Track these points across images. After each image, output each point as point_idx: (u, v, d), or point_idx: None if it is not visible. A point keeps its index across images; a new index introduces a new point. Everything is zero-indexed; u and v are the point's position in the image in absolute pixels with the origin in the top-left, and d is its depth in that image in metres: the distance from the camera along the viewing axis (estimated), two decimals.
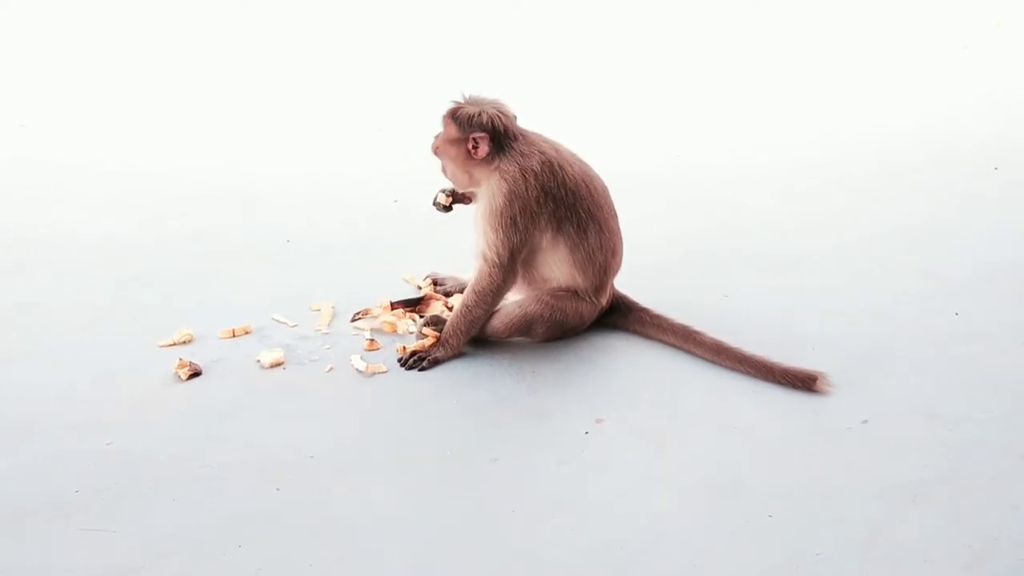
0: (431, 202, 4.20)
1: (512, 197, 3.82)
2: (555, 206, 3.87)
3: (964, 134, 6.78)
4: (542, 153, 3.89)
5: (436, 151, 3.97)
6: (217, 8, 10.28)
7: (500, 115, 3.87)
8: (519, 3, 10.54)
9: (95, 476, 3.25)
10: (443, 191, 4.18)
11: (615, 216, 4.06)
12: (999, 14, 9.96)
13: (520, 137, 3.90)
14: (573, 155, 4.02)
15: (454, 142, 3.88)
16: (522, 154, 3.86)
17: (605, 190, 4.06)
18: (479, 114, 3.84)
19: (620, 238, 4.08)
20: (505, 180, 3.83)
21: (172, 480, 3.23)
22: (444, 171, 4.01)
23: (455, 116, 3.87)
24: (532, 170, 3.84)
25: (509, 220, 3.82)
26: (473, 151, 3.84)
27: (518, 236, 3.84)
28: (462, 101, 3.91)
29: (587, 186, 3.96)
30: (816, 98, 7.80)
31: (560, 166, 3.90)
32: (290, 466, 3.30)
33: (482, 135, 3.82)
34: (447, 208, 4.20)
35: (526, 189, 3.83)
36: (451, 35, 9.67)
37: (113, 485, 3.20)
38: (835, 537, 2.94)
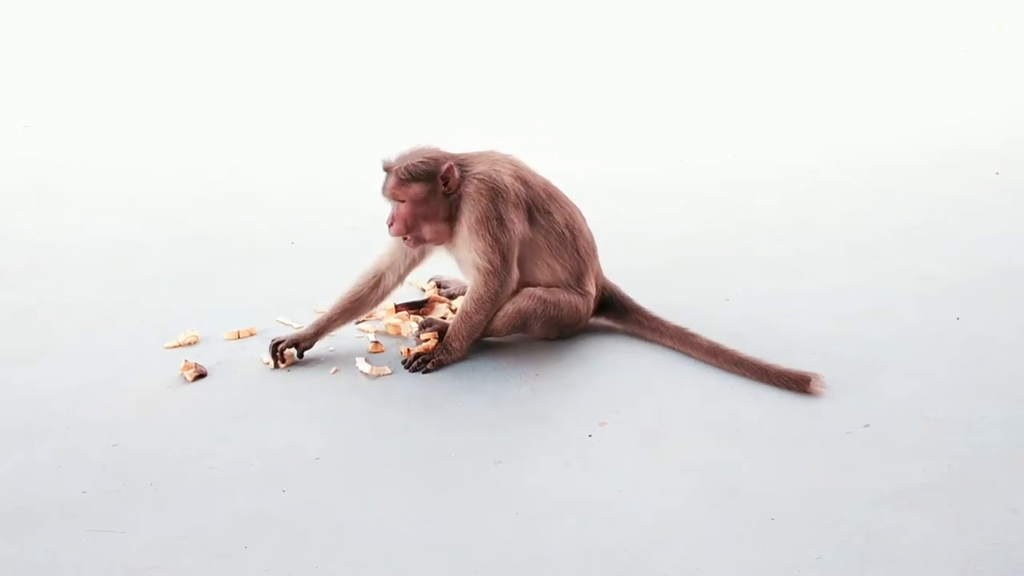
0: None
1: (494, 196, 3.88)
2: (527, 189, 3.96)
3: (965, 139, 6.79)
4: (500, 159, 4.00)
5: (408, 225, 3.88)
6: (222, 10, 10.29)
7: (428, 148, 3.94)
8: (519, 6, 10.55)
9: (102, 477, 3.27)
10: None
11: (564, 196, 4.13)
12: (1001, 19, 9.98)
13: (473, 156, 4.00)
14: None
15: (425, 195, 3.85)
16: (483, 170, 3.93)
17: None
18: (422, 158, 3.86)
19: (584, 226, 4.12)
20: (484, 182, 3.89)
21: (178, 481, 3.25)
22: (422, 237, 3.91)
23: (413, 175, 3.84)
24: (499, 163, 3.96)
25: (496, 221, 3.86)
26: (446, 186, 3.86)
27: (506, 236, 3.88)
28: (394, 168, 3.87)
29: (545, 182, 4.08)
30: (817, 102, 7.82)
31: (519, 165, 4.03)
32: (295, 467, 3.32)
33: (447, 165, 3.86)
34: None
35: (502, 179, 3.90)
36: (453, 38, 9.68)
37: (120, 486, 3.23)
38: (835, 540, 2.95)
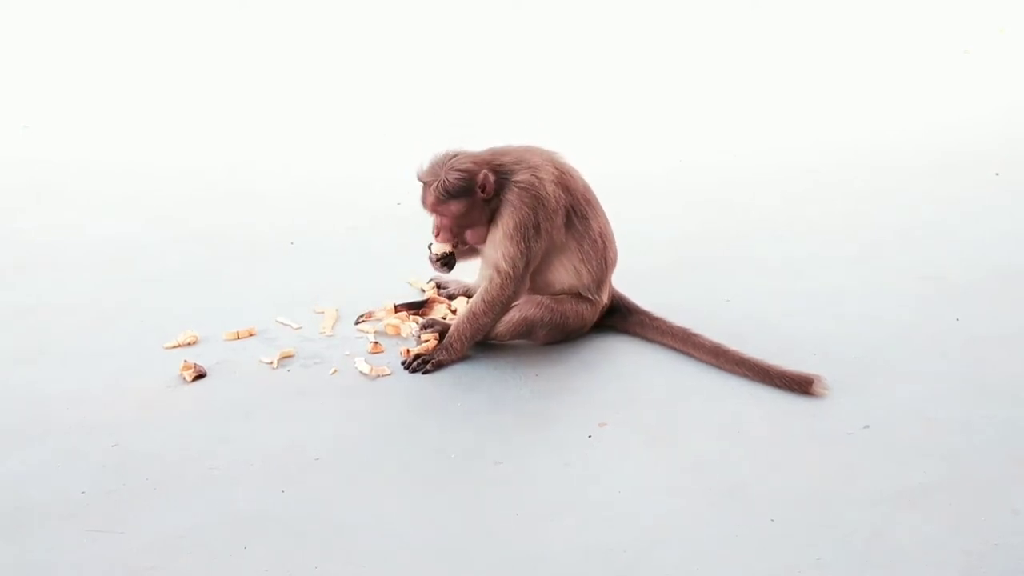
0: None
1: (536, 203, 3.85)
2: (567, 195, 3.93)
3: (965, 139, 6.78)
4: (539, 155, 3.96)
5: (454, 235, 3.90)
6: (222, 10, 10.29)
7: (462, 153, 3.88)
8: (520, 6, 10.55)
9: (101, 477, 3.27)
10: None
11: (599, 203, 4.11)
12: (1002, 21, 9.97)
13: (506, 154, 3.95)
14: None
15: (465, 209, 3.83)
16: (516, 163, 3.90)
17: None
18: (457, 172, 3.80)
19: (612, 234, 4.11)
20: (524, 190, 3.86)
21: (178, 481, 3.25)
22: (465, 241, 3.93)
23: (451, 193, 3.80)
24: (542, 168, 3.90)
25: (533, 230, 3.84)
26: (484, 192, 3.83)
27: (538, 244, 3.87)
28: (431, 185, 3.82)
29: (582, 180, 4.04)
30: (818, 102, 7.81)
31: (552, 156, 3.99)
32: (295, 468, 3.32)
33: (482, 173, 3.82)
34: (447, 258, 4.00)
35: (544, 188, 3.87)
36: (453, 37, 9.68)
37: (119, 486, 3.22)
38: (835, 541, 2.95)
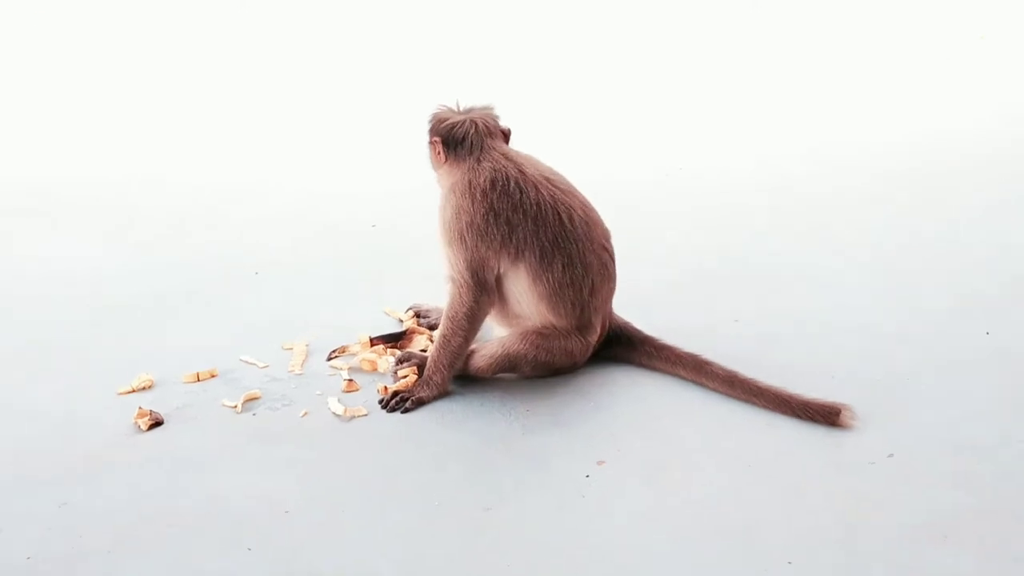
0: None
1: (459, 211, 3.71)
2: (509, 229, 3.68)
3: (987, 140, 6.63)
4: (497, 171, 3.72)
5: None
6: (201, 35, 10.20)
7: (463, 124, 3.78)
8: (514, 10, 10.49)
9: (48, 540, 3.08)
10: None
11: (597, 250, 3.80)
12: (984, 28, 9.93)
13: (483, 151, 3.76)
14: (553, 179, 3.80)
15: (429, 143, 3.90)
16: (473, 168, 3.74)
17: (590, 222, 3.80)
18: (443, 120, 3.83)
19: (603, 275, 3.81)
20: (453, 193, 3.75)
21: (134, 542, 3.06)
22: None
23: (431, 118, 3.89)
24: (479, 186, 3.70)
25: (457, 235, 3.70)
26: (436, 155, 3.84)
27: (467, 252, 3.69)
28: (453, 108, 3.89)
29: (557, 213, 3.71)
30: (832, 104, 7.65)
31: (518, 185, 3.70)
32: (262, 523, 3.13)
33: (435, 139, 3.81)
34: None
35: (471, 204, 3.69)
36: (443, 47, 9.60)
37: (68, 549, 3.04)
38: None
